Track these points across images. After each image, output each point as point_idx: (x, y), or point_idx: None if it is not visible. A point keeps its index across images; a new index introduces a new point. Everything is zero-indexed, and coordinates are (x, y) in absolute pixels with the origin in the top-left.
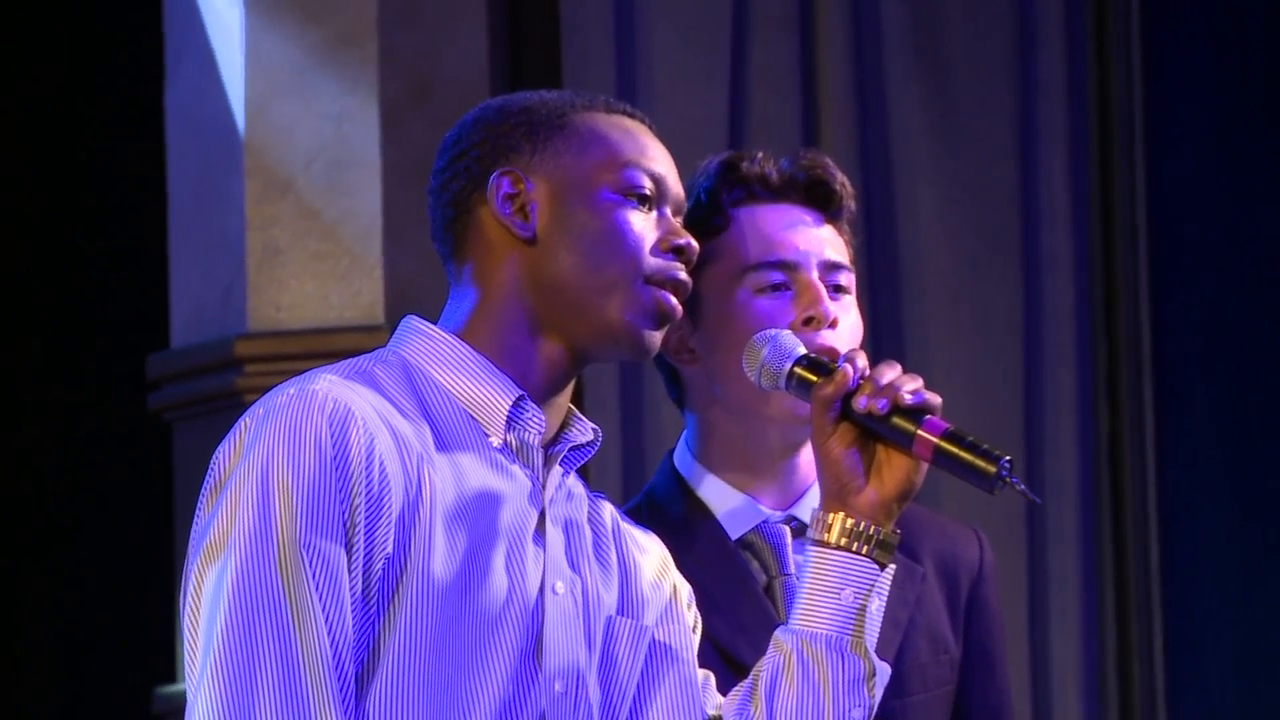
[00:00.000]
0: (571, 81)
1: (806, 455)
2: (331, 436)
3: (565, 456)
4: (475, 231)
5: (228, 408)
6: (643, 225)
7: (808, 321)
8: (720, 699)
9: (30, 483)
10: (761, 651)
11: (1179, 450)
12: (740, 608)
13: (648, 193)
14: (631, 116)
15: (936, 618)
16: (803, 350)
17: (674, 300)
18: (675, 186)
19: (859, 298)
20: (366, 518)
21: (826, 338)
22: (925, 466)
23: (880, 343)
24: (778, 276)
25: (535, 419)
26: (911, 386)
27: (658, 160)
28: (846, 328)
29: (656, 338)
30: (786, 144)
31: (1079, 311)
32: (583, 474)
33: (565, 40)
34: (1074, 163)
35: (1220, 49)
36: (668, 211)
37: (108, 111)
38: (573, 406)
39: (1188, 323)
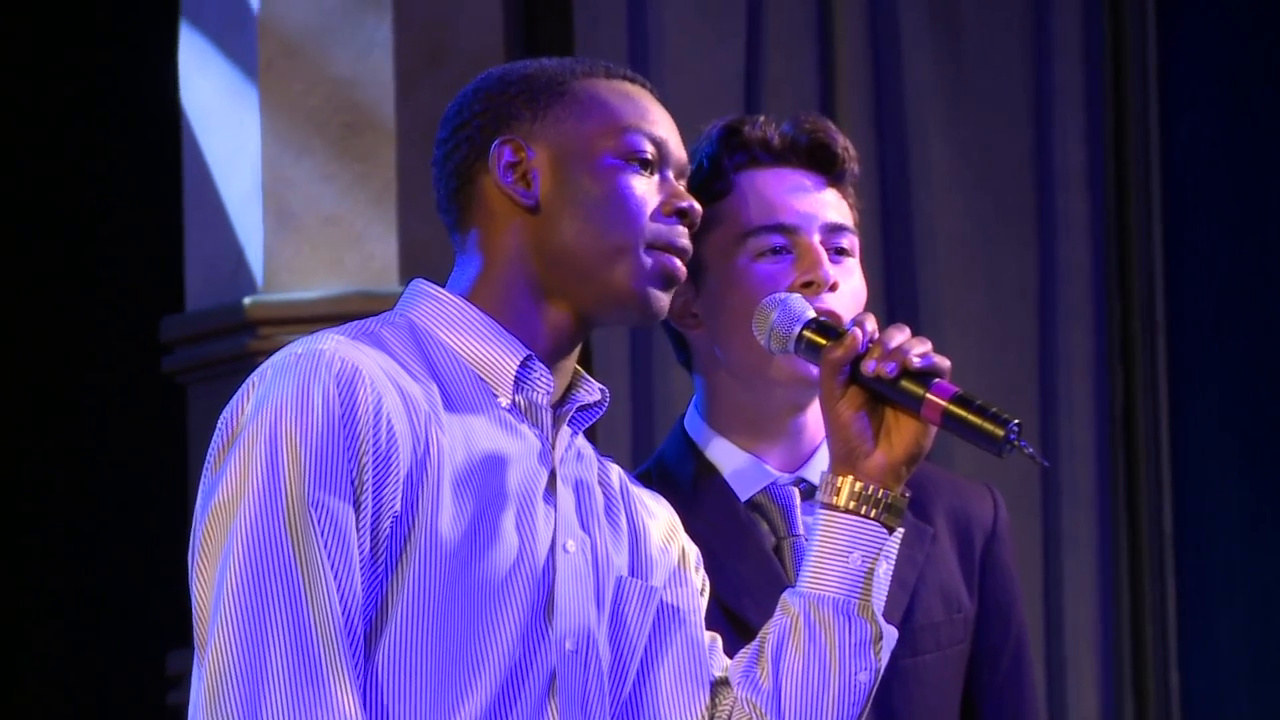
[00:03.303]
0: (585, 45)
1: (813, 416)
2: (339, 395)
3: (573, 417)
4: (479, 201)
5: (241, 371)
6: (645, 190)
7: (807, 285)
8: (727, 661)
9: (44, 446)
10: (769, 613)
11: (1192, 413)
12: (749, 568)
13: (649, 157)
14: (632, 81)
15: (949, 576)
16: (812, 314)
17: (678, 263)
18: (678, 150)
19: (874, 261)
20: (374, 476)
21: (827, 301)
22: (934, 430)
23: (894, 306)
24: (778, 240)
25: (543, 379)
26: (920, 350)
27: (659, 124)
28: (848, 291)
29: (664, 300)
30: (801, 108)
31: (1094, 275)
32: (591, 437)
33: (578, 3)
34: (1089, 126)
35: (1235, 11)
36: (670, 175)
37: (122, 73)
38: (579, 368)
39: (1201, 286)
